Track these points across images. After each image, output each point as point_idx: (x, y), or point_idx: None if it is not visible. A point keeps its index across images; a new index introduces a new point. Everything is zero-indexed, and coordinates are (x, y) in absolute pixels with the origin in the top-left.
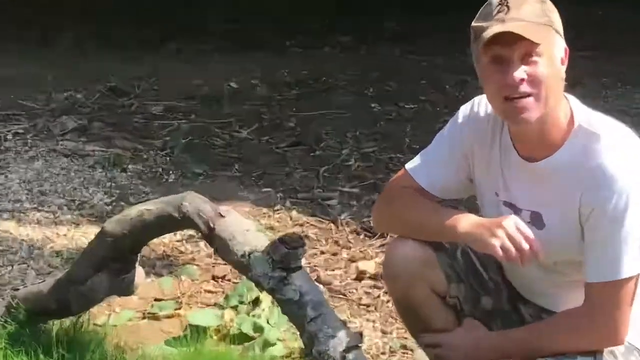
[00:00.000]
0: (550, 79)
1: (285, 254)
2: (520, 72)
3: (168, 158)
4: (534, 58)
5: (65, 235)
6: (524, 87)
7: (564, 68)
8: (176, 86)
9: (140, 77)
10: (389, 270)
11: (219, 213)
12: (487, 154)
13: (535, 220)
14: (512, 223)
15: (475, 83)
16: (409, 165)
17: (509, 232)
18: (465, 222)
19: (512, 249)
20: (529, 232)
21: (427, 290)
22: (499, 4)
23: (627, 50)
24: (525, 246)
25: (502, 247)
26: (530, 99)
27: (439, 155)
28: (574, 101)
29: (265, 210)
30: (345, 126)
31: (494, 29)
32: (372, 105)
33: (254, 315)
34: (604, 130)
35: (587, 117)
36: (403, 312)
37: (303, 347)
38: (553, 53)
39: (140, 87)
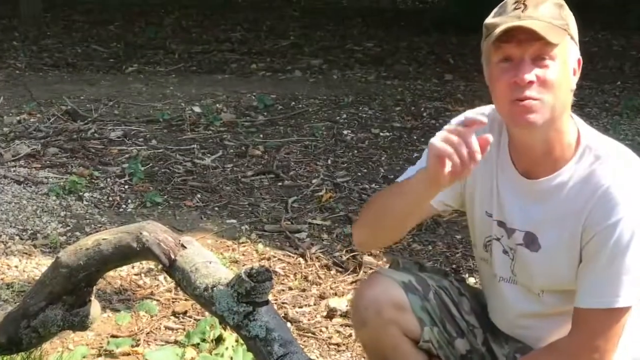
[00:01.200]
0: (561, 86)
1: (251, 287)
2: (531, 74)
3: (126, 186)
4: (547, 61)
5: (16, 266)
6: (532, 92)
7: (575, 79)
8: (136, 110)
9: (97, 100)
10: (358, 314)
11: (181, 244)
12: (482, 170)
13: (529, 242)
14: (437, 136)
15: (453, 111)
16: (399, 179)
17: (436, 147)
18: (416, 175)
19: (454, 157)
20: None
21: (399, 335)
22: (516, 2)
23: (612, 79)
24: (462, 149)
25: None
26: (537, 102)
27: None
28: (580, 121)
29: (229, 242)
30: (316, 154)
31: (508, 24)
32: (345, 132)
33: (216, 354)
34: (612, 153)
35: (595, 138)
36: (372, 357)
37: None
38: (567, 59)
39: (98, 111)
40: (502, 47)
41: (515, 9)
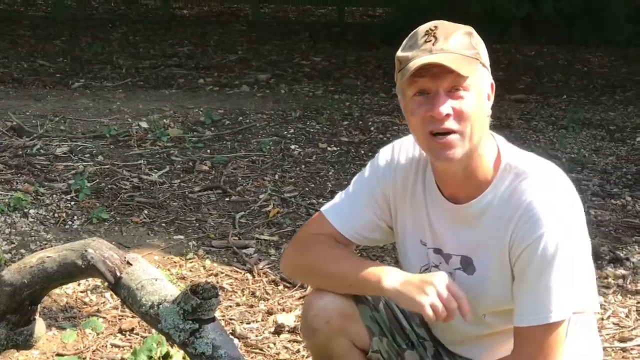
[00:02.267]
0: (477, 115)
1: (197, 304)
2: (447, 107)
3: (72, 202)
4: (461, 92)
5: None
6: (450, 123)
7: (490, 104)
8: (82, 126)
9: (43, 116)
10: (307, 323)
11: (126, 261)
12: (410, 200)
13: (466, 266)
14: (442, 281)
15: (401, 125)
16: (325, 208)
17: (438, 291)
18: (392, 277)
19: (441, 308)
20: (458, 291)
21: (348, 345)
22: (426, 34)
23: (558, 93)
24: (454, 305)
25: (431, 306)
26: (456, 136)
27: (357, 199)
28: (500, 139)
29: (176, 259)
30: (263, 169)
31: (421, 59)
32: (292, 147)
33: None
34: (532, 169)
35: (514, 155)
36: None
37: None
38: (480, 87)
39: (44, 127)
40: (416, 81)
41: (426, 41)
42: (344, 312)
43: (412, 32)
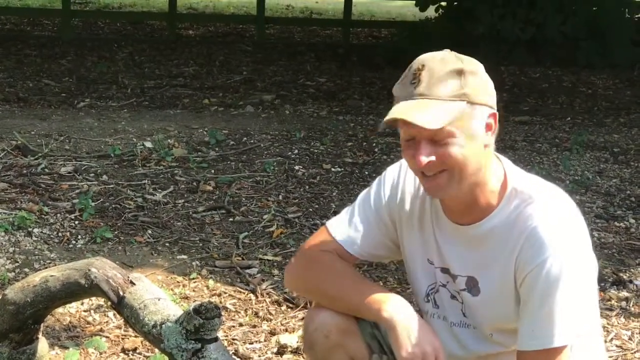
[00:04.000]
0: (467, 156)
1: (200, 324)
2: (426, 157)
3: (76, 222)
4: (445, 140)
5: None
6: (435, 167)
7: (489, 135)
8: (87, 145)
9: (48, 135)
10: (307, 337)
11: (129, 280)
12: (418, 218)
13: (471, 287)
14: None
15: None
16: (330, 223)
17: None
18: (391, 307)
19: None
20: None
21: (346, 359)
22: (415, 73)
23: (563, 115)
24: None
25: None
26: (445, 175)
27: (364, 215)
28: (507, 163)
29: (179, 278)
30: (267, 190)
31: (394, 110)
32: (297, 167)
33: None
34: (538, 193)
35: (520, 179)
36: None
37: None
38: (470, 128)
39: (49, 146)
40: (402, 126)
41: (411, 82)
42: (343, 328)
43: (410, 64)
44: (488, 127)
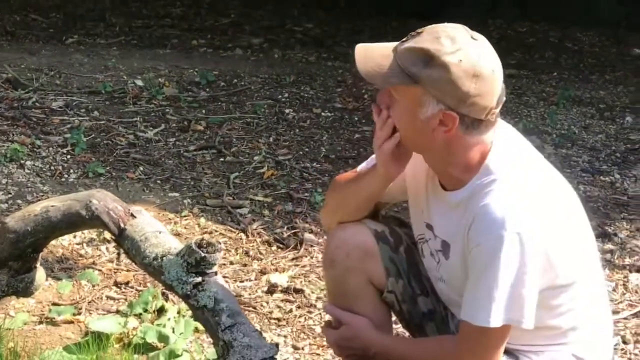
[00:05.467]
0: (406, 131)
1: (201, 258)
2: (377, 104)
3: (69, 156)
4: (391, 101)
5: None
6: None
7: (441, 130)
8: (77, 81)
9: (38, 70)
10: (328, 254)
11: (130, 213)
12: (420, 171)
13: (445, 250)
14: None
15: None
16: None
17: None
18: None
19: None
20: None
21: (364, 281)
22: (416, 31)
23: (549, 70)
24: None
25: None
26: None
27: None
28: (502, 136)
29: (171, 215)
30: (258, 131)
31: (360, 48)
32: (287, 111)
33: (159, 325)
34: (507, 172)
35: (501, 157)
36: (334, 299)
37: (213, 357)
38: (411, 109)
39: (39, 80)
40: None
41: (409, 34)
42: (364, 248)
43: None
44: (440, 123)
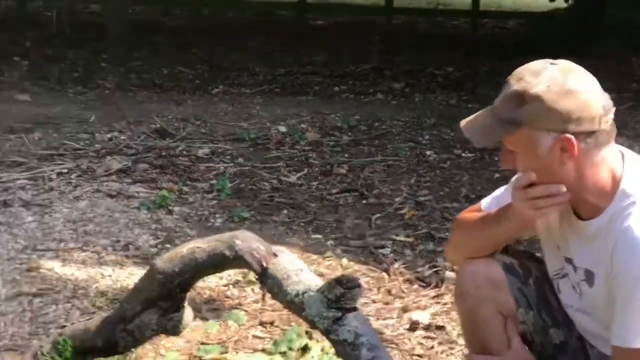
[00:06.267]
0: (537, 171)
1: (341, 293)
2: (504, 164)
3: (214, 201)
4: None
5: (110, 275)
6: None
7: (565, 156)
8: (222, 129)
9: (185, 119)
10: (459, 286)
11: (272, 252)
12: None
13: (589, 278)
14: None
15: None
16: (484, 199)
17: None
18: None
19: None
20: None
21: (494, 311)
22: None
23: None
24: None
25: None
26: None
27: (508, 188)
28: (630, 162)
29: (314, 257)
30: (399, 173)
31: (463, 122)
32: (428, 152)
33: None
34: None
35: (635, 180)
36: (467, 332)
37: None
38: (530, 149)
39: (186, 129)
40: None
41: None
42: (492, 280)
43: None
44: (562, 150)
